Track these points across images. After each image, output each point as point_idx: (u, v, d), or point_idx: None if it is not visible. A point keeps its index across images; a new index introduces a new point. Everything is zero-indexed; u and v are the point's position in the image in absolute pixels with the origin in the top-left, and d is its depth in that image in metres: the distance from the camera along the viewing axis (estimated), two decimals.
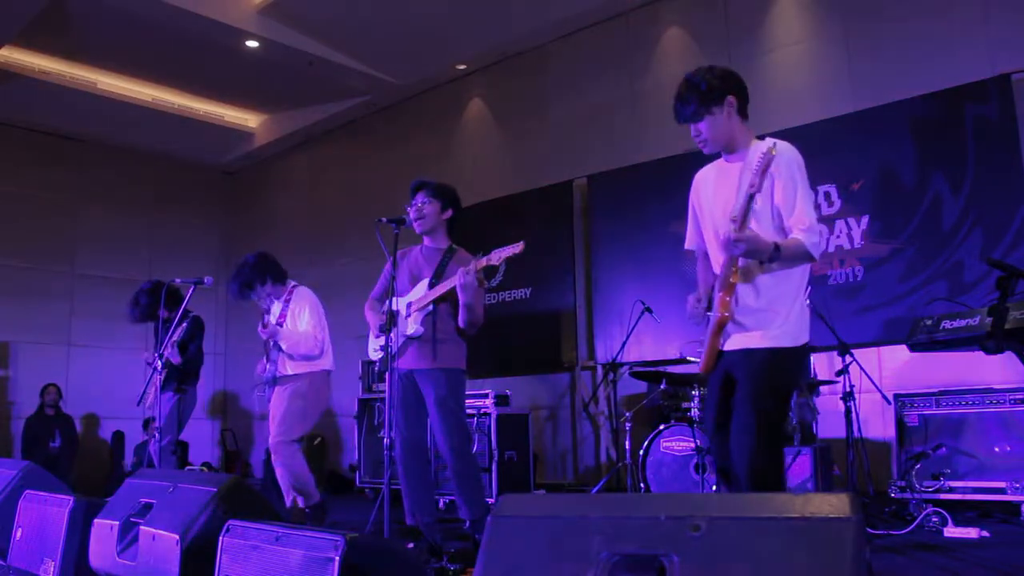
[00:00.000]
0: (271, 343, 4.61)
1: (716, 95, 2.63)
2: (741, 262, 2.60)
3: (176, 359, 5.07)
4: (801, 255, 2.55)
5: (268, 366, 4.64)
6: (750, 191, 2.47)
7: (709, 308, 2.68)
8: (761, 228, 2.56)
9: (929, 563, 3.30)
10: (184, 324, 5.12)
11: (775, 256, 2.50)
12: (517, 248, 3.47)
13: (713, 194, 2.77)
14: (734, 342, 2.64)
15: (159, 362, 4.70)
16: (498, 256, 3.53)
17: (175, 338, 4.98)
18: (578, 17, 7.23)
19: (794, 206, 2.55)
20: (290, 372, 4.58)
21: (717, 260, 2.73)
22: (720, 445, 2.67)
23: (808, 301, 2.75)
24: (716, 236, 2.72)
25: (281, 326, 4.60)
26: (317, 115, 9.31)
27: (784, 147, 2.59)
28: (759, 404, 2.52)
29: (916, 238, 5.38)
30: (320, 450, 8.39)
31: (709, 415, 2.76)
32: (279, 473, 4.49)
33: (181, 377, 5.25)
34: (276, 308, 4.73)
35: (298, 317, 4.64)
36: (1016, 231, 4.99)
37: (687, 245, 2.99)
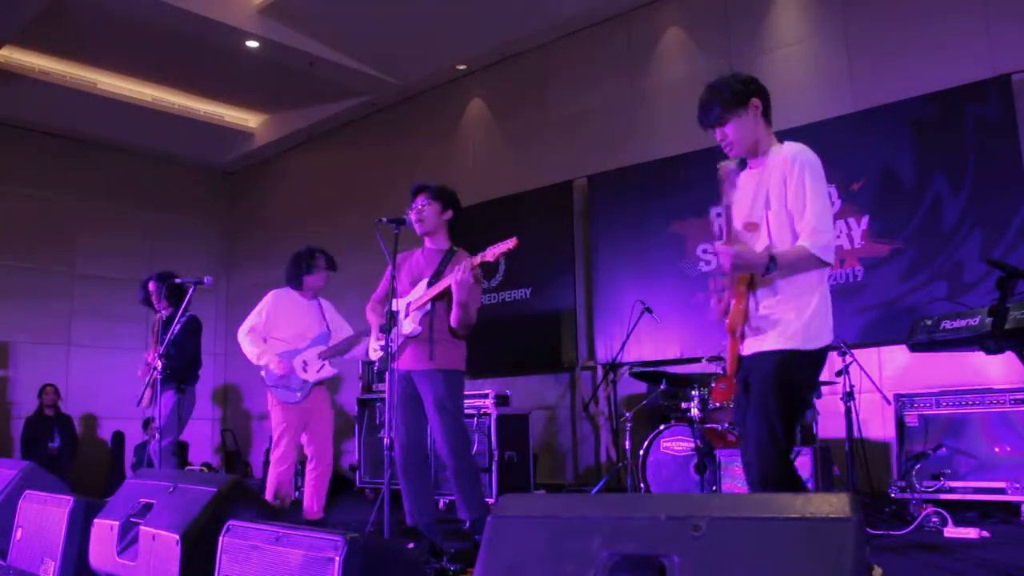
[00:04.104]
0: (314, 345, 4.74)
1: (740, 98, 2.61)
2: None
3: (173, 356, 5.06)
4: (807, 261, 2.46)
5: (311, 366, 4.71)
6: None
7: (727, 313, 2.63)
8: (780, 236, 2.52)
9: (929, 563, 3.30)
10: (180, 324, 5.13)
11: (771, 268, 2.44)
12: (510, 244, 3.48)
13: (738, 199, 2.70)
14: (749, 346, 2.59)
15: (159, 362, 4.71)
16: (492, 253, 3.55)
17: (170, 337, 4.99)
18: (578, 17, 7.23)
19: (804, 209, 2.47)
20: (329, 374, 4.81)
21: None
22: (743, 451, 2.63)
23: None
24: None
25: None
26: (317, 115, 9.30)
27: (797, 149, 2.54)
28: (765, 409, 2.46)
29: (916, 238, 5.38)
30: None
31: (738, 421, 2.69)
32: (324, 481, 4.77)
33: (181, 377, 5.24)
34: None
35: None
36: (1016, 231, 4.99)
37: None
